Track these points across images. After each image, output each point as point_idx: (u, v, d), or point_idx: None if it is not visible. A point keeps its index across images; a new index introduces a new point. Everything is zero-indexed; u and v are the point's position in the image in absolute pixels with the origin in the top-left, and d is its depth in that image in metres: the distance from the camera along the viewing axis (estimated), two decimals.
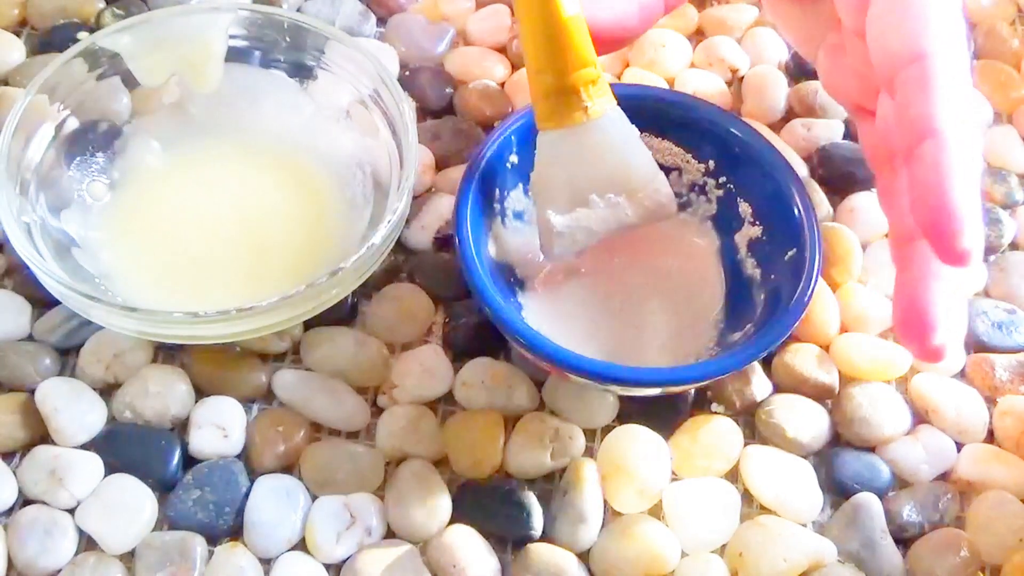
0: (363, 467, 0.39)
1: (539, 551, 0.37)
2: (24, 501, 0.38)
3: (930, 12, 0.35)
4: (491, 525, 0.38)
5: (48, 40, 0.49)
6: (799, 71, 0.49)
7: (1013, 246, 0.46)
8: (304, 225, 0.42)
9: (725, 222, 0.42)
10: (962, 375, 0.42)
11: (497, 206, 0.41)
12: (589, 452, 0.40)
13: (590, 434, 0.40)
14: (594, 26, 0.38)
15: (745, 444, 0.40)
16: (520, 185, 0.42)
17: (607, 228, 0.39)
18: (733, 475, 0.40)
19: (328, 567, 0.37)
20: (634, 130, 0.39)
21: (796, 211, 0.40)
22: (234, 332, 0.38)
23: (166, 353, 0.41)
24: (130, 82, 0.43)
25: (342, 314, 0.42)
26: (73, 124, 0.42)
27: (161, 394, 0.40)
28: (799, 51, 0.46)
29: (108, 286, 0.40)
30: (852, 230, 0.44)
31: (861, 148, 0.40)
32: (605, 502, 0.39)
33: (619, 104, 0.39)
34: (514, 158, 0.41)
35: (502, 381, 0.41)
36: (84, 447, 0.39)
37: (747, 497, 0.39)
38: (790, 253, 0.39)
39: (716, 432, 0.40)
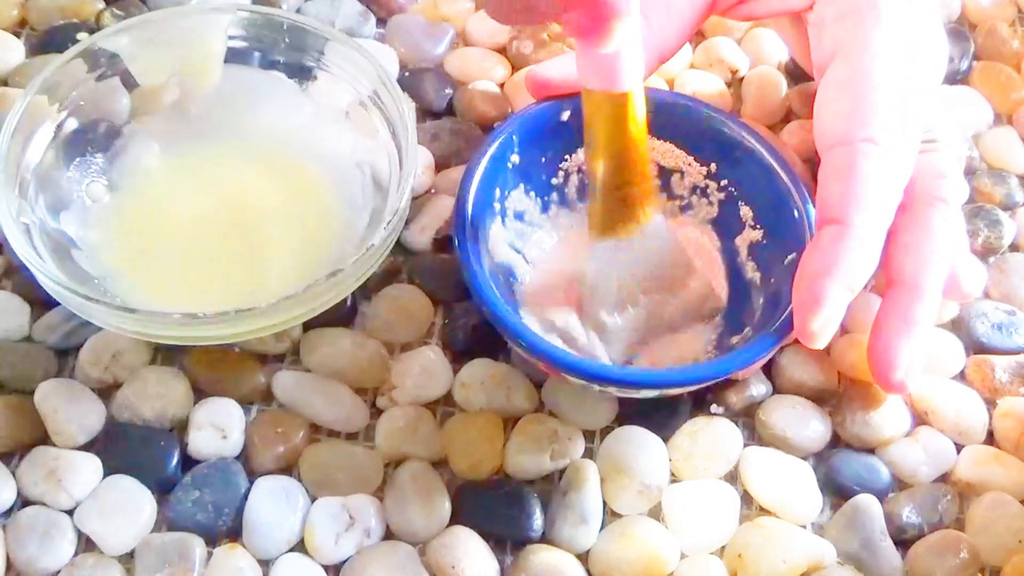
0: (362, 468, 0.39)
1: (538, 552, 0.37)
2: (23, 502, 0.38)
3: (876, 99, 0.37)
4: (490, 526, 0.38)
5: (48, 40, 0.49)
6: (799, 72, 0.49)
7: (1013, 248, 0.46)
8: (303, 226, 0.42)
9: (726, 225, 0.42)
10: (962, 376, 0.42)
11: (497, 206, 0.41)
12: (589, 453, 0.40)
13: (589, 435, 0.40)
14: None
15: (744, 446, 0.40)
16: (521, 185, 0.42)
17: (651, 323, 0.40)
18: (732, 476, 0.40)
19: (327, 568, 0.37)
20: (674, 233, 0.40)
21: (796, 214, 0.39)
22: (233, 333, 0.38)
23: (165, 354, 0.41)
24: (130, 83, 0.43)
25: (341, 315, 0.42)
26: (72, 125, 0.41)
27: (160, 395, 0.40)
28: (802, 65, 0.47)
29: (107, 287, 0.40)
30: None
31: None
32: (605, 503, 0.39)
33: None
34: (515, 158, 0.41)
35: (501, 382, 0.40)
36: (83, 448, 0.39)
37: (746, 498, 0.39)
38: (790, 256, 0.39)
39: (716, 434, 0.40)
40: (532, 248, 0.42)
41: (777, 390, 0.41)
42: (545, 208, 0.43)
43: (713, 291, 0.41)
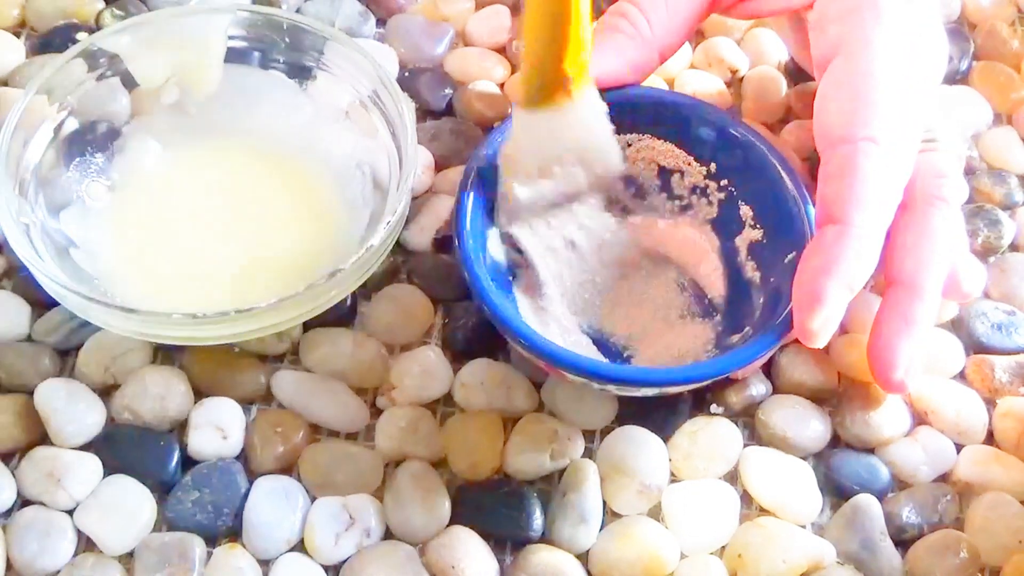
0: (362, 468, 0.39)
1: (538, 552, 0.37)
2: (23, 502, 0.38)
3: (876, 98, 0.37)
4: (490, 526, 0.38)
5: (48, 41, 0.49)
6: (799, 72, 0.49)
7: (1013, 247, 0.46)
8: (303, 226, 0.42)
9: (726, 225, 0.42)
10: (962, 376, 0.42)
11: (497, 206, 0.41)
12: (588, 453, 0.40)
13: (589, 435, 0.40)
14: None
15: (744, 445, 0.40)
16: None
17: (562, 195, 0.40)
18: (732, 476, 0.40)
19: (327, 568, 0.37)
20: (603, 106, 0.39)
21: (796, 213, 0.39)
22: (233, 333, 0.38)
23: (165, 354, 0.41)
24: (129, 83, 0.43)
25: (341, 315, 0.42)
26: (72, 125, 0.42)
27: (160, 395, 0.40)
28: (803, 66, 0.47)
29: (107, 287, 0.40)
30: None
31: None
32: (604, 503, 0.39)
33: (621, 105, 0.39)
34: None
35: (501, 382, 0.40)
36: (83, 448, 0.39)
37: (746, 498, 0.39)
38: (790, 256, 0.39)
39: (715, 434, 0.40)
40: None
41: (777, 390, 0.41)
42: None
43: (615, 167, 0.41)
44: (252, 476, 0.39)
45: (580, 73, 0.38)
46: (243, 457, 0.39)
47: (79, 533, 0.37)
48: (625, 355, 0.40)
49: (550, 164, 0.39)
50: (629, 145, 0.42)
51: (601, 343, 0.41)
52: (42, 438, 0.39)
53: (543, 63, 0.37)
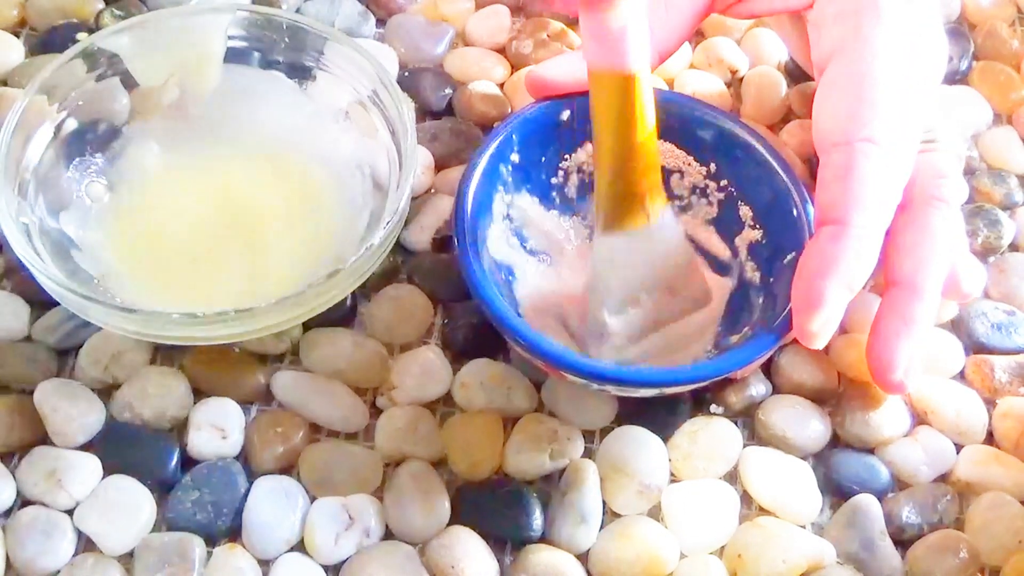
0: (362, 468, 0.39)
1: (538, 552, 0.37)
2: (23, 502, 0.38)
3: (876, 98, 0.37)
4: (490, 526, 0.38)
5: (47, 41, 0.49)
6: (799, 72, 0.49)
7: (1012, 247, 0.46)
8: (303, 226, 0.42)
9: (725, 225, 0.42)
10: (961, 376, 0.42)
11: (497, 206, 0.41)
12: (588, 453, 0.40)
13: (589, 435, 0.40)
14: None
15: (744, 445, 0.40)
16: (521, 185, 0.42)
17: (651, 323, 0.40)
18: (732, 476, 0.40)
19: (327, 568, 0.37)
20: (681, 228, 0.40)
21: (796, 214, 0.39)
22: (233, 333, 0.38)
23: (165, 354, 0.41)
24: (129, 83, 0.43)
25: (341, 315, 0.42)
26: (72, 125, 0.41)
27: (160, 395, 0.40)
28: (802, 65, 0.47)
29: (107, 287, 0.40)
30: None
31: None
32: (604, 503, 0.39)
33: None
34: (514, 158, 0.41)
35: (501, 382, 0.40)
36: (83, 448, 0.39)
37: (746, 498, 0.39)
38: (789, 256, 0.39)
39: (715, 434, 0.40)
40: (532, 246, 0.42)
41: (777, 390, 0.41)
42: (545, 208, 0.43)
43: (708, 288, 0.41)
44: (252, 476, 0.39)
45: (655, 191, 0.38)
46: (243, 457, 0.39)
47: (79, 533, 0.37)
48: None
49: (636, 291, 0.39)
50: None
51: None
52: (42, 438, 0.39)
53: (616, 183, 0.37)
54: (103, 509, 0.38)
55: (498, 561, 0.38)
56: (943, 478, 0.40)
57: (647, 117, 0.37)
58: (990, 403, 0.42)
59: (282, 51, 0.43)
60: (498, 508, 0.38)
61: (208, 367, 0.41)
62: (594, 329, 0.39)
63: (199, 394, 0.40)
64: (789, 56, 0.50)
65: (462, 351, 0.42)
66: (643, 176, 0.38)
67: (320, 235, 0.42)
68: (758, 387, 0.41)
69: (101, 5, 0.50)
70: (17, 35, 0.49)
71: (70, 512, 0.38)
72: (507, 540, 0.38)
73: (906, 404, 0.41)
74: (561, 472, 0.39)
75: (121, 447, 0.39)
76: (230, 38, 0.43)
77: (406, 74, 0.49)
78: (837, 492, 0.39)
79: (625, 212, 0.38)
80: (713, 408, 0.41)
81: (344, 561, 0.37)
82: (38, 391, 0.40)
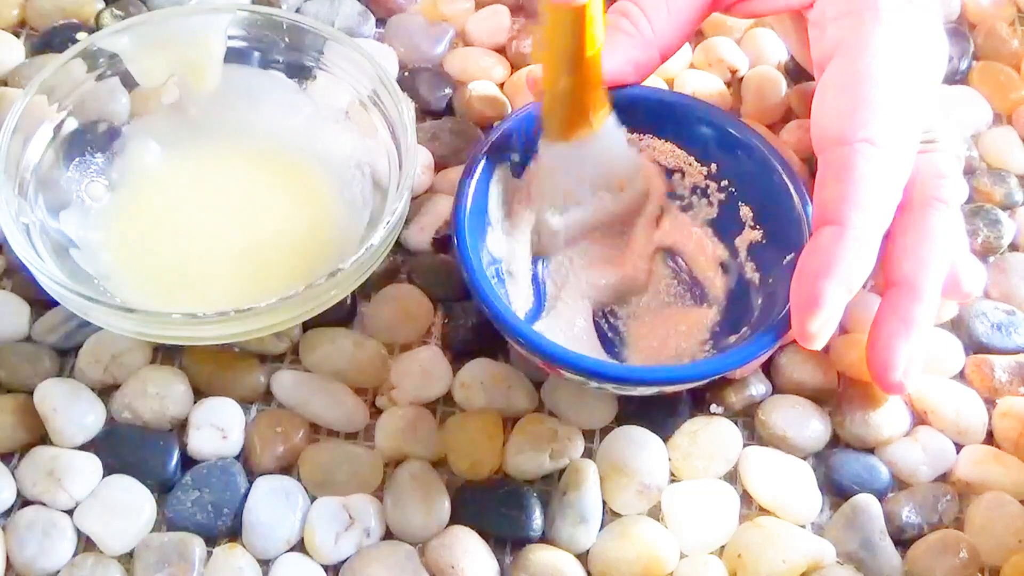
0: (362, 468, 0.39)
1: (538, 552, 0.37)
2: (23, 502, 0.38)
3: (876, 98, 0.37)
4: (490, 526, 0.38)
5: (47, 41, 0.49)
6: (799, 71, 0.49)
7: (1012, 247, 0.46)
8: (303, 226, 0.42)
9: (726, 225, 0.42)
10: (961, 376, 0.42)
11: (497, 205, 0.41)
12: (588, 453, 0.40)
13: (589, 435, 0.40)
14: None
15: (744, 445, 0.40)
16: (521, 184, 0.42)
17: (595, 220, 0.41)
18: (732, 476, 0.40)
19: (327, 568, 0.37)
20: (623, 132, 0.40)
21: (796, 214, 0.39)
22: (233, 333, 0.38)
23: (165, 354, 0.41)
24: (129, 83, 0.43)
25: (341, 315, 0.42)
26: (72, 125, 0.42)
27: (160, 395, 0.40)
28: (803, 64, 0.47)
29: (107, 287, 0.40)
30: None
31: None
32: (604, 503, 0.39)
33: (621, 105, 0.40)
34: (515, 157, 0.41)
35: (501, 382, 0.41)
36: (83, 448, 0.39)
37: (746, 498, 0.39)
38: (789, 256, 0.39)
39: (715, 433, 0.40)
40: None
41: (777, 390, 0.41)
42: None
43: (652, 187, 0.42)
44: (252, 476, 0.39)
45: (600, 103, 0.39)
46: (243, 457, 0.39)
47: (79, 533, 0.37)
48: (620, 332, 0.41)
49: (577, 192, 0.41)
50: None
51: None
52: (42, 438, 0.39)
53: (563, 96, 0.38)
54: (103, 509, 0.38)
55: (498, 561, 0.38)
56: (943, 478, 0.40)
57: (596, 36, 0.37)
58: (990, 403, 0.42)
59: (282, 51, 0.43)
60: (498, 508, 0.38)
61: (208, 367, 0.41)
62: (542, 231, 0.41)
63: (199, 394, 0.40)
64: (789, 56, 0.50)
65: (462, 351, 0.42)
66: (589, 90, 0.38)
67: (320, 235, 0.42)
68: (758, 387, 0.41)
69: (101, 5, 0.50)
70: (17, 35, 0.49)
71: (70, 512, 0.38)
72: (507, 540, 0.38)
73: (906, 404, 0.41)
74: (561, 472, 0.39)
75: (121, 447, 0.39)
76: (230, 38, 0.43)
77: (406, 74, 0.49)
78: (837, 492, 0.39)
79: (570, 123, 0.39)
80: (713, 408, 0.41)
81: (344, 561, 0.37)
82: (38, 391, 0.40)
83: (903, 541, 0.39)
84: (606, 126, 0.39)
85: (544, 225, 0.41)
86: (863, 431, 0.40)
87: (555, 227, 0.41)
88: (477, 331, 0.42)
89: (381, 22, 0.51)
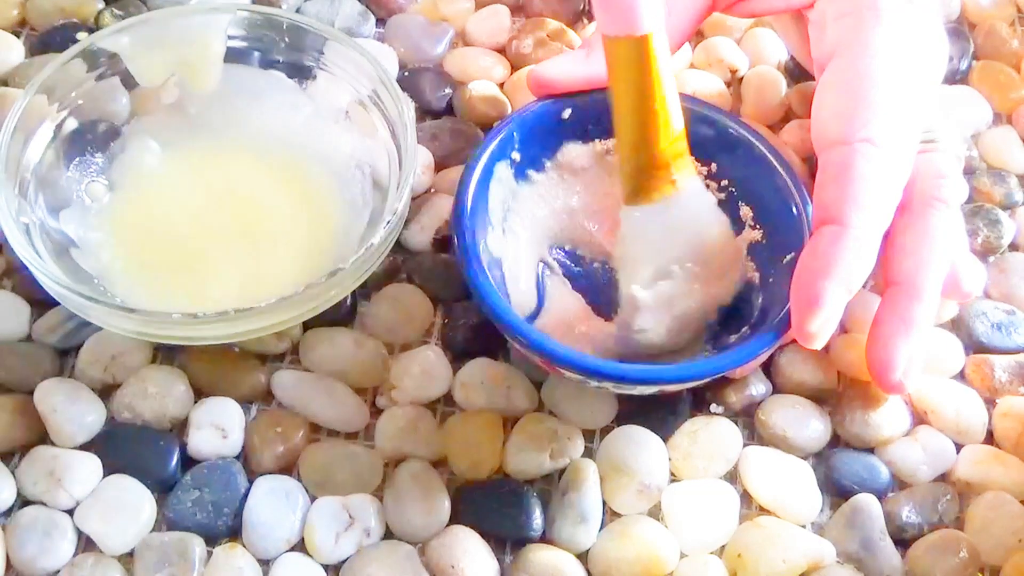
0: (362, 468, 0.39)
1: (538, 552, 0.37)
2: (23, 502, 0.38)
3: (875, 98, 0.37)
4: (490, 526, 0.38)
5: (47, 40, 0.49)
6: (799, 71, 0.49)
7: (1012, 247, 0.46)
8: (303, 226, 0.42)
9: None
10: (961, 376, 0.42)
11: (497, 205, 0.41)
12: (588, 453, 0.40)
13: (589, 435, 0.40)
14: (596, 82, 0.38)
15: (744, 445, 0.40)
16: (521, 184, 0.42)
17: (688, 305, 0.39)
18: (732, 476, 0.40)
19: (327, 568, 0.37)
20: (711, 197, 0.39)
21: (796, 214, 0.39)
22: (233, 333, 0.38)
23: (165, 354, 0.41)
24: (129, 82, 0.43)
25: (341, 315, 0.42)
26: (72, 124, 0.42)
27: (160, 395, 0.40)
28: (803, 64, 0.47)
29: (107, 287, 0.40)
30: None
31: None
32: (604, 503, 0.39)
33: None
34: (515, 156, 0.41)
35: (501, 382, 0.41)
36: (83, 448, 0.39)
37: (746, 498, 0.39)
38: (788, 256, 0.39)
39: (715, 433, 0.40)
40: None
41: (777, 389, 0.41)
42: None
43: (732, 258, 0.40)
44: (252, 476, 0.39)
45: (680, 159, 0.37)
46: (243, 457, 0.39)
47: (79, 533, 0.37)
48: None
49: (666, 264, 0.38)
50: None
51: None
52: (42, 438, 0.39)
53: (638, 152, 0.37)
54: (103, 509, 0.38)
55: (498, 561, 0.38)
56: (943, 478, 0.40)
57: (664, 80, 0.36)
58: (990, 403, 0.42)
59: (282, 51, 0.43)
60: (498, 508, 0.38)
61: (208, 367, 0.41)
62: (626, 306, 0.39)
63: (199, 394, 0.40)
64: (789, 56, 0.50)
65: (462, 351, 0.42)
66: (666, 143, 0.37)
67: (320, 235, 0.42)
68: (758, 387, 0.41)
69: (101, 5, 0.50)
70: (17, 35, 0.49)
71: (70, 512, 0.38)
72: (507, 540, 0.38)
73: (906, 404, 0.41)
74: (561, 472, 0.39)
75: (121, 447, 0.39)
76: (230, 38, 0.43)
77: (406, 74, 0.49)
78: (837, 492, 0.39)
79: (649, 182, 0.37)
80: (713, 408, 0.41)
81: (344, 561, 0.37)
82: (38, 391, 0.40)
83: (903, 541, 0.39)
84: (691, 186, 0.38)
85: (631, 300, 0.38)
86: (863, 431, 0.40)
87: (642, 303, 0.38)
88: (477, 331, 0.42)
89: (381, 22, 0.51)
